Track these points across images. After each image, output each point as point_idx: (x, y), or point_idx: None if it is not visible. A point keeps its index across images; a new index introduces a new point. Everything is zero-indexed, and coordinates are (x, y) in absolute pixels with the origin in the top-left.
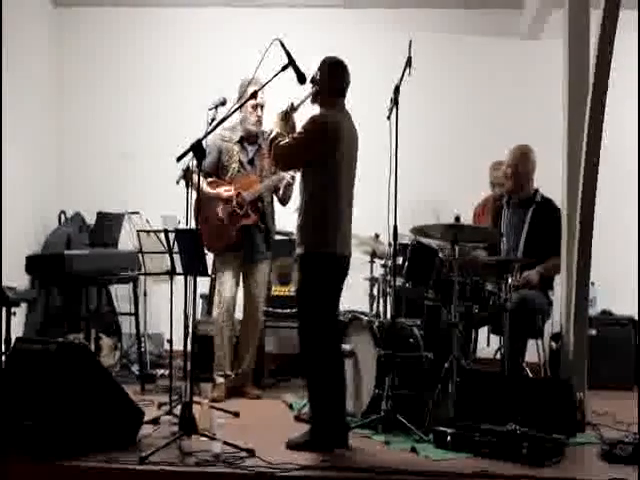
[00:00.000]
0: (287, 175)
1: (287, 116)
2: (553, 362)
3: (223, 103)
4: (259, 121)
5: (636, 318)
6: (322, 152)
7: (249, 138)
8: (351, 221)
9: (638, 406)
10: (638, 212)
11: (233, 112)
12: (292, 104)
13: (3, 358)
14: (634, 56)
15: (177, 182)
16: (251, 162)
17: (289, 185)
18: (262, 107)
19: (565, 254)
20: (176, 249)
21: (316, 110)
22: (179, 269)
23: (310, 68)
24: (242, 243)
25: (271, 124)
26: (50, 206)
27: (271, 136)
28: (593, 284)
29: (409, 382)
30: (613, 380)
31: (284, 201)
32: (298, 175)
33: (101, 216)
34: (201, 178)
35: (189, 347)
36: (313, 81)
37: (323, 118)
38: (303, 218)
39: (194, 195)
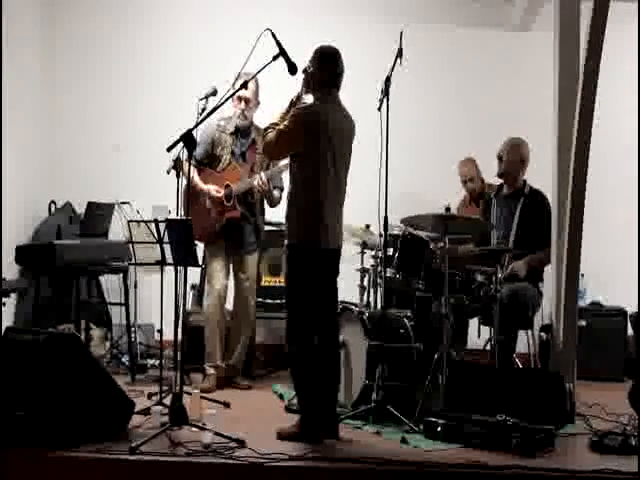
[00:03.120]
0: (282, 164)
1: (292, 105)
2: (543, 353)
3: (214, 93)
4: (243, 114)
5: (626, 309)
6: (302, 145)
7: (243, 131)
8: (341, 213)
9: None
10: (638, 204)
11: (223, 103)
12: (298, 94)
13: None
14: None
15: (167, 172)
16: (243, 155)
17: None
18: (247, 101)
19: (555, 245)
20: (167, 239)
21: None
22: (170, 259)
23: (303, 59)
24: (231, 234)
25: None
26: (40, 196)
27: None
28: (583, 275)
29: (399, 373)
30: (603, 371)
31: (271, 203)
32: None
33: (91, 206)
34: (192, 168)
35: (179, 337)
36: (305, 71)
37: (304, 111)
38: (288, 209)
39: (184, 185)
